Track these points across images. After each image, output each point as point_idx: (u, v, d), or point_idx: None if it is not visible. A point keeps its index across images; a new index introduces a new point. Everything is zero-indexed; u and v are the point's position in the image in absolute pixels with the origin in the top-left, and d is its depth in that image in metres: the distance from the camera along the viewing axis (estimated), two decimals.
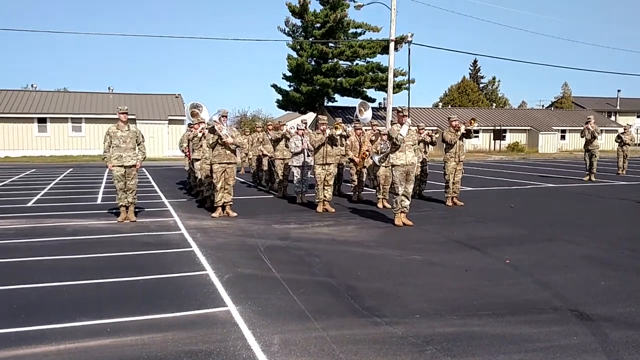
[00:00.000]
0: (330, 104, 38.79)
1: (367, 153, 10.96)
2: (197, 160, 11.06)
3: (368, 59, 37.39)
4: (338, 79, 35.88)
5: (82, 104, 33.96)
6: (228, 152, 9.25)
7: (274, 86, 37.73)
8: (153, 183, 16.34)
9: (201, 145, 10.51)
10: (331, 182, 10.03)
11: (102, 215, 9.86)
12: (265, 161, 14.28)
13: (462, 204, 10.75)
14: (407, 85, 36.31)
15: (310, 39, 35.96)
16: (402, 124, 8.50)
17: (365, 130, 11.99)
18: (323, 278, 5.65)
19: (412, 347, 3.82)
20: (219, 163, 9.28)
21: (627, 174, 18.29)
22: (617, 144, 18.93)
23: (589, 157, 16.25)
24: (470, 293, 5.11)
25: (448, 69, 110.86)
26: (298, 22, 36.70)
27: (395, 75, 35.59)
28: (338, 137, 9.93)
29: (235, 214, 9.39)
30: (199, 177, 11.15)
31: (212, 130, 9.13)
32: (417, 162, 10.70)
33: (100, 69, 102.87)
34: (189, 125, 12.66)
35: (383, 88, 35.46)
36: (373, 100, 38.83)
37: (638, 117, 56.91)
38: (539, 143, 41.00)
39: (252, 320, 4.37)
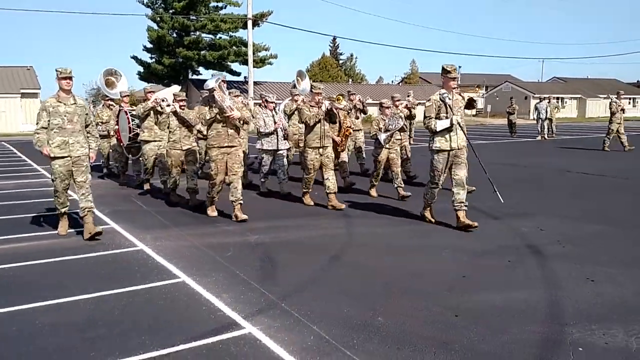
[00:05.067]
0: (194, 77, 39.68)
1: (350, 130, 9.20)
2: (147, 142, 8.96)
3: (231, 33, 38.70)
4: (201, 52, 36.84)
5: None
6: (230, 130, 6.80)
7: (135, 58, 37.61)
8: (24, 157, 16.85)
9: (168, 125, 8.04)
10: (331, 166, 7.79)
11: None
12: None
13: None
14: (270, 60, 38.71)
15: (170, 12, 36.40)
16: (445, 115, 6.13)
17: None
18: (184, 210, 7.76)
19: (238, 233, 6.23)
20: (219, 147, 6.79)
21: None
22: None
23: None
24: (284, 211, 7.62)
25: (310, 44, 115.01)
26: None
27: (258, 50, 37.62)
28: (346, 110, 8.27)
29: (245, 217, 6.78)
30: (150, 163, 9.03)
31: (208, 102, 6.73)
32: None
33: None
34: (104, 97, 11.14)
35: (247, 62, 37.16)
36: (238, 74, 40.47)
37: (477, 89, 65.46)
38: None
39: (130, 230, 6.41)
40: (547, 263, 4.94)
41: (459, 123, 6.13)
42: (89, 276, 4.72)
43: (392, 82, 64.67)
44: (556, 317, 3.71)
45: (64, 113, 5.94)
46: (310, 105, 7.60)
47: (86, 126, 6.17)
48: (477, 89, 12.47)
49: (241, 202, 6.86)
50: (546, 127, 21.06)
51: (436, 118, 6.14)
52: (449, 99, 6.11)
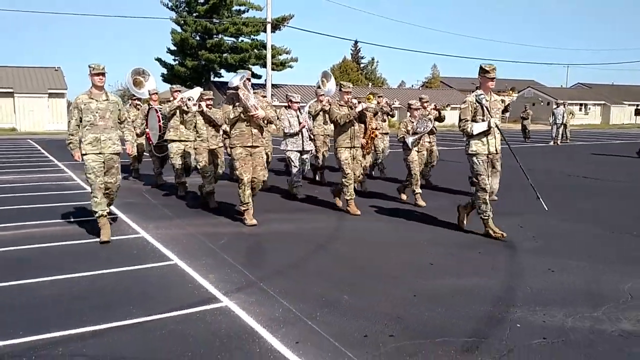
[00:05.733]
0: (216, 79, 40.52)
1: (376, 132, 8.76)
2: (173, 141, 8.77)
3: (253, 36, 39.45)
4: (224, 55, 37.64)
5: None
6: (254, 130, 6.56)
7: (159, 60, 38.62)
8: (44, 151, 17.64)
9: (195, 124, 7.99)
10: (357, 172, 7.52)
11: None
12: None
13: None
14: (290, 63, 39.32)
15: (194, 15, 37.31)
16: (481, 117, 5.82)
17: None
18: (189, 201, 8.25)
19: (234, 225, 6.65)
20: (243, 146, 6.55)
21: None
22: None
23: None
24: (283, 206, 8.03)
25: (331, 48, 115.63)
26: None
27: (279, 53, 38.31)
28: (373, 112, 7.89)
29: (254, 222, 6.64)
30: (178, 163, 8.77)
31: (232, 100, 6.51)
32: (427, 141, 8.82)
33: None
34: (132, 97, 10.96)
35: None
36: (259, 77, 41.12)
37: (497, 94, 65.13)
38: None
39: (136, 220, 6.89)
40: (515, 255, 5.24)
41: (497, 126, 5.82)
42: (90, 257, 5.19)
43: (413, 86, 64.70)
44: (506, 299, 4.02)
45: (95, 110, 5.81)
46: (340, 105, 7.34)
47: (121, 122, 6.11)
48: (510, 92, 11.56)
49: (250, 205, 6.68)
50: (560, 132, 21.05)
51: (472, 121, 5.85)
52: (486, 100, 5.82)
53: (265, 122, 6.72)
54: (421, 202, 7.95)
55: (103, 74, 5.84)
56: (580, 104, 54.13)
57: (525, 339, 3.33)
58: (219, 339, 3.39)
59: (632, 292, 4.21)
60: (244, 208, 6.69)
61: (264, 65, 39.20)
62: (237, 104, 6.45)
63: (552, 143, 20.92)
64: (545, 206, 6.13)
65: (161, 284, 4.46)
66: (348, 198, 7.37)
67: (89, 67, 5.84)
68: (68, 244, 5.71)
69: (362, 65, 68.55)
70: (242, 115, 6.45)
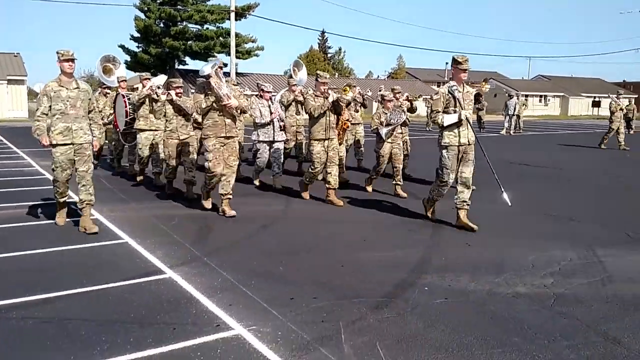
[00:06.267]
0: (181, 67, 40.25)
1: (348, 124, 8.69)
2: (143, 130, 8.68)
3: (218, 24, 39.28)
4: (188, 43, 37.42)
5: None
6: (228, 120, 6.44)
7: (122, 47, 38.14)
8: (5, 141, 17.49)
9: (164, 114, 7.90)
10: (336, 161, 7.47)
11: None
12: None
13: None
14: (256, 52, 39.35)
15: (158, 1, 36.94)
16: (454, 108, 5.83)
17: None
18: (147, 187, 8.54)
19: (186, 207, 7.02)
20: (216, 137, 6.44)
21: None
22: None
23: None
24: (237, 190, 8.42)
25: (298, 37, 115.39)
26: None
27: (244, 42, 38.30)
28: (344, 104, 7.61)
29: (233, 213, 6.52)
30: (145, 153, 8.75)
31: (204, 89, 6.34)
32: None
33: None
34: (101, 85, 10.57)
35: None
36: (225, 65, 41.10)
37: None
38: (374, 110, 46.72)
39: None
40: (440, 232, 5.79)
41: (467, 118, 5.83)
42: (45, 237, 5.49)
43: (379, 76, 65.49)
44: (421, 268, 4.54)
45: (66, 98, 5.61)
46: (316, 96, 7.25)
47: (89, 112, 5.85)
48: (484, 83, 11.61)
49: (230, 197, 6.58)
50: (513, 123, 21.98)
51: (444, 112, 5.85)
52: (459, 92, 5.82)
53: (239, 111, 6.67)
54: (369, 189, 8.39)
55: (72, 60, 5.63)
56: (541, 96, 55.81)
57: (429, 299, 3.85)
58: (159, 303, 3.78)
59: (534, 262, 4.79)
60: (205, 197, 6.90)
61: (229, 54, 39.24)
62: (209, 92, 6.31)
63: (503, 132, 21.83)
64: (509, 202, 6.22)
65: (111, 259, 4.81)
66: (306, 182, 7.64)
67: (57, 53, 5.62)
68: (26, 224, 6.00)
69: (329, 55, 68.88)
70: (214, 104, 6.32)
